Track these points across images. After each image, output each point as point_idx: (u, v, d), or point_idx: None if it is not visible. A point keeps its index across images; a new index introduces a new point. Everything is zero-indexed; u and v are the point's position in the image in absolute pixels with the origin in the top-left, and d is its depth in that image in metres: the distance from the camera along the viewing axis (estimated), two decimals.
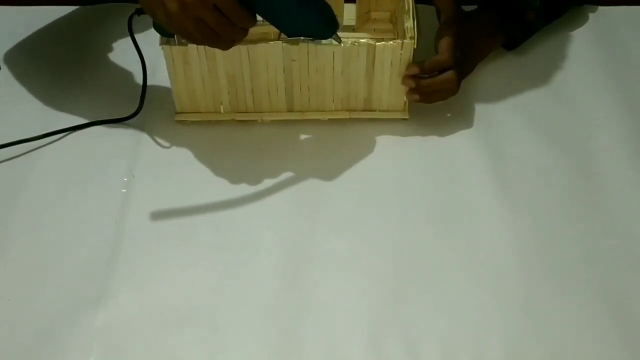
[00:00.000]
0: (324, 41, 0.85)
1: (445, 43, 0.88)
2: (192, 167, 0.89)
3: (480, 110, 0.95)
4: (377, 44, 0.86)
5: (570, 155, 0.90)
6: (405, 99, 0.91)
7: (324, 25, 0.81)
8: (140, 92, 0.92)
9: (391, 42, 0.86)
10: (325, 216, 0.83)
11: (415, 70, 0.87)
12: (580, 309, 0.75)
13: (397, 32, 0.96)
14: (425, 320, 0.75)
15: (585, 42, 1.05)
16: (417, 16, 0.88)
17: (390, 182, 0.87)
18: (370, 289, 0.77)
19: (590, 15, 1.09)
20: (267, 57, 0.87)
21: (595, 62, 1.02)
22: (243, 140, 0.91)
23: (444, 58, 0.87)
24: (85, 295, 0.76)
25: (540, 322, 0.74)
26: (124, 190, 0.86)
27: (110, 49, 1.03)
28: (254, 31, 0.79)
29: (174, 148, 0.91)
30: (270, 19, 0.78)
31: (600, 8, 1.10)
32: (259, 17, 0.78)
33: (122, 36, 1.03)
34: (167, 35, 0.84)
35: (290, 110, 0.93)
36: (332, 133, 0.92)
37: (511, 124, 0.93)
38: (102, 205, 0.85)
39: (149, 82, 0.92)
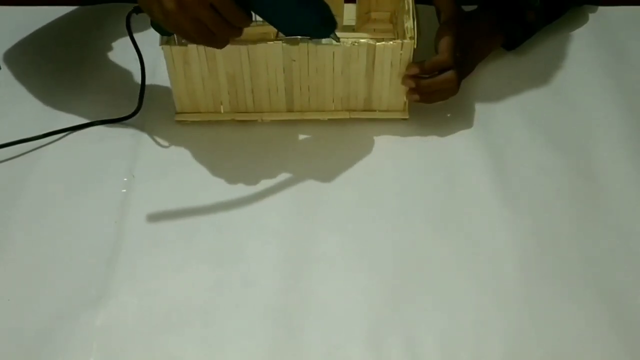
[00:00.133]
0: (323, 41, 0.85)
1: (445, 43, 0.88)
2: (192, 167, 0.89)
3: (480, 110, 0.95)
4: (377, 44, 0.86)
5: (570, 155, 0.90)
6: (405, 99, 0.91)
7: (321, 25, 0.81)
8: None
9: (391, 42, 0.86)
10: (325, 216, 0.84)
11: (415, 70, 0.87)
12: (580, 309, 0.75)
13: (397, 32, 0.96)
14: (425, 319, 0.75)
15: (585, 42, 1.05)
16: (417, 16, 0.87)
17: (390, 182, 0.87)
18: (370, 289, 0.77)
19: (590, 15, 1.09)
20: (267, 57, 0.87)
21: (595, 62, 1.02)
22: (243, 140, 0.91)
23: (444, 58, 0.87)
24: (85, 295, 0.76)
25: (540, 322, 0.74)
26: (124, 191, 0.86)
27: (110, 49, 1.03)
28: (254, 31, 0.79)
29: (174, 148, 0.91)
30: (268, 17, 0.78)
31: (600, 8, 1.10)
32: (259, 17, 0.78)
33: (122, 36, 1.03)
34: (164, 33, 0.84)
35: (290, 110, 0.93)
36: (332, 133, 0.92)
37: (511, 124, 0.93)
38: (102, 205, 0.85)
39: (149, 82, 0.92)
